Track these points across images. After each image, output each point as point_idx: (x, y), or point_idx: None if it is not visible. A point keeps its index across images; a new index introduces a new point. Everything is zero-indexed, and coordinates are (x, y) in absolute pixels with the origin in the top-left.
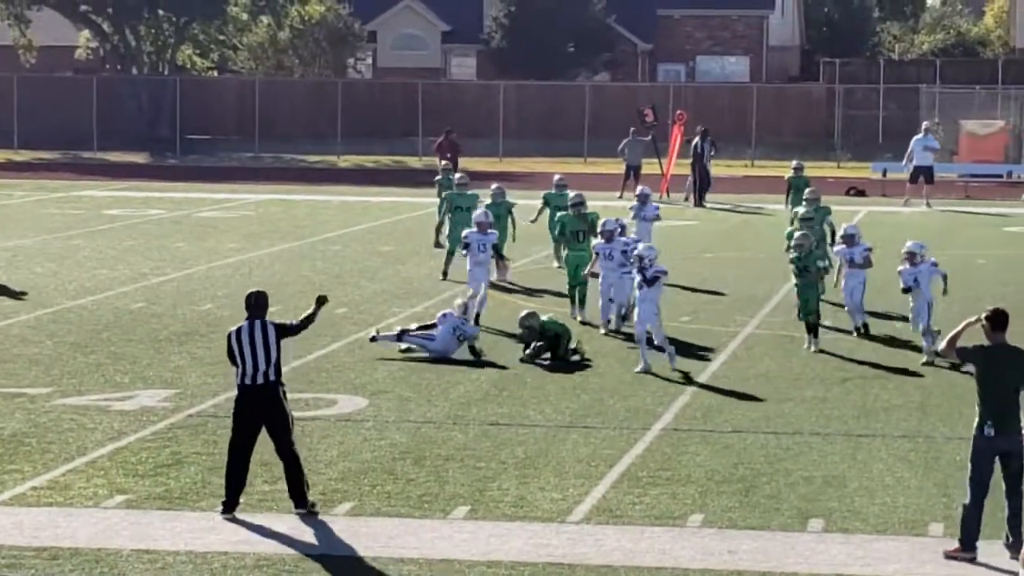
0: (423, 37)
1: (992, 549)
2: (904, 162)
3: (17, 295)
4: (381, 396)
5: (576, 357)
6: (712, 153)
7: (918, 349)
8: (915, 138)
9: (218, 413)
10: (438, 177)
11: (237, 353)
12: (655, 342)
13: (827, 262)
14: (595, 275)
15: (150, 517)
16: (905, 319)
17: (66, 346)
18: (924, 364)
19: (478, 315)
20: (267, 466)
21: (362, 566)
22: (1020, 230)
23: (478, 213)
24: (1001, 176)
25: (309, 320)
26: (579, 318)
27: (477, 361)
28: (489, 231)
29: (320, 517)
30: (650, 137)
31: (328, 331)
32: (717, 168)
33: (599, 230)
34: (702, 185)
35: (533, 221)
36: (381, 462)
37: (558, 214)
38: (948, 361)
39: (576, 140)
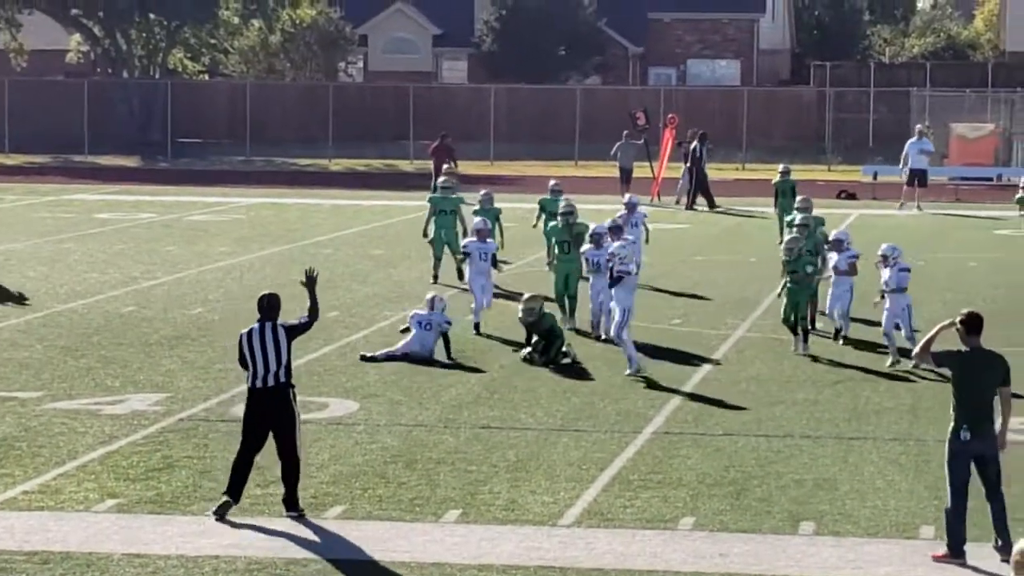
0: (414, 41)
1: (982, 552)
2: (900, 166)
3: (19, 299)
4: (372, 399)
5: (567, 360)
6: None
7: (909, 354)
8: (909, 142)
9: (209, 417)
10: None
11: (248, 355)
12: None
13: (815, 267)
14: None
15: (141, 521)
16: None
17: (57, 350)
18: (889, 366)
19: (477, 324)
20: (260, 470)
21: (353, 570)
22: (1011, 233)
23: (477, 221)
24: (991, 179)
25: (314, 309)
26: (568, 327)
27: (454, 364)
28: (488, 239)
29: (311, 521)
30: (642, 141)
31: (319, 334)
32: (708, 171)
33: (588, 233)
34: (704, 188)
35: (535, 226)
36: (372, 465)
37: (550, 223)
38: (925, 367)
39: (567, 144)
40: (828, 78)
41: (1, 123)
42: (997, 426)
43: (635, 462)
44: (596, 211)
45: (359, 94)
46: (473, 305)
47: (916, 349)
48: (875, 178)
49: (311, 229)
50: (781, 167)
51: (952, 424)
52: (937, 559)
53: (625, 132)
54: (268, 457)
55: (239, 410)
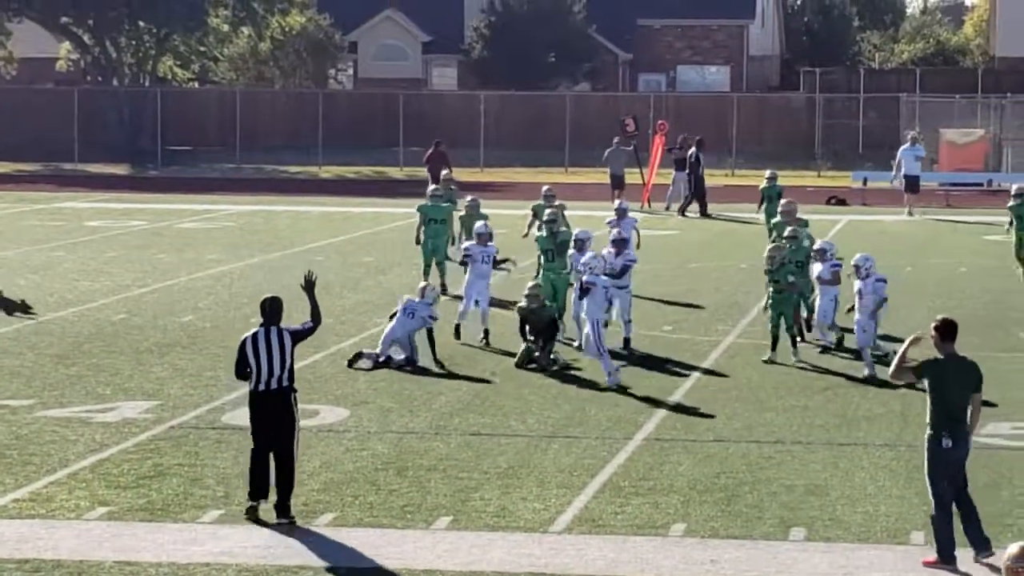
0: (404, 47)
1: (972, 557)
2: (893, 172)
3: (24, 308)
4: (363, 407)
5: (555, 367)
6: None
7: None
8: (903, 148)
9: (199, 425)
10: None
11: (252, 359)
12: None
13: (796, 276)
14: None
15: (132, 529)
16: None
17: (47, 358)
18: (863, 379)
19: (487, 332)
20: None
21: None
22: (1001, 238)
23: (479, 225)
24: (981, 184)
25: (316, 313)
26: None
27: (445, 373)
28: (489, 244)
29: (302, 528)
30: (632, 147)
31: (310, 341)
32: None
33: (572, 238)
34: (701, 194)
35: (525, 236)
36: (363, 473)
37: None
38: (902, 380)
39: (557, 150)
40: (818, 84)
41: None
42: None
43: (626, 468)
44: (586, 217)
45: (349, 101)
46: (460, 308)
47: (891, 369)
48: (865, 184)
49: (301, 236)
50: (768, 173)
51: (930, 432)
52: (928, 565)
53: (615, 139)
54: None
55: (230, 418)
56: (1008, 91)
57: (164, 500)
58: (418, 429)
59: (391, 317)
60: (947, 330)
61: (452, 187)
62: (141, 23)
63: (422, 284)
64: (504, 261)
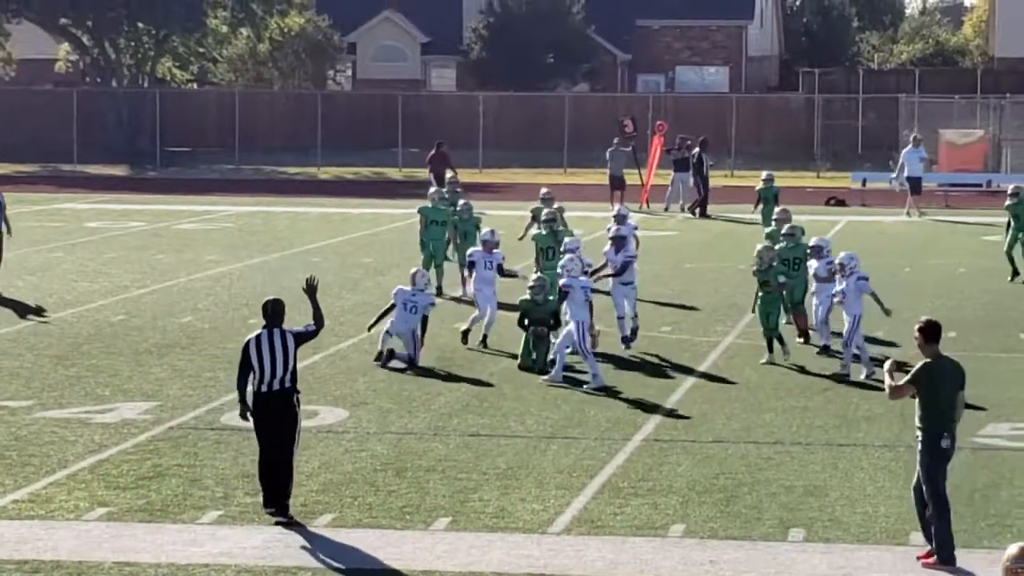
0: (403, 48)
1: (972, 557)
2: (896, 174)
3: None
4: (362, 407)
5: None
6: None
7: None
8: (906, 150)
9: (199, 425)
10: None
11: (255, 360)
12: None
13: (786, 276)
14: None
15: (132, 530)
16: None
17: (47, 359)
18: (834, 375)
19: (485, 336)
20: (249, 478)
21: None
22: (1000, 239)
23: (485, 232)
24: (981, 185)
25: (318, 316)
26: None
27: (444, 375)
28: (495, 251)
29: (301, 529)
30: (630, 148)
31: (309, 343)
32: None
33: (562, 248)
34: (703, 197)
35: (520, 239)
36: (362, 473)
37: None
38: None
39: (556, 151)
40: (817, 85)
41: None
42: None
43: (625, 469)
44: (585, 218)
45: (347, 102)
46: (476, 314)
47: (889, 394)
48: (864, 184)
49: (300, 237)
50: (764, 174)
51: (926, 434)
52: (926, 565)
53: (616, 139)
54: (256, 466)
55: (229, 418)
56: (1007, 91)
57: (163, 501)
58: (417, 430)
59: (384, 313)
60: (931, 331)
61: (457, 189)
62: (140, 24)
63: (413, 270)
64: (513, 275)
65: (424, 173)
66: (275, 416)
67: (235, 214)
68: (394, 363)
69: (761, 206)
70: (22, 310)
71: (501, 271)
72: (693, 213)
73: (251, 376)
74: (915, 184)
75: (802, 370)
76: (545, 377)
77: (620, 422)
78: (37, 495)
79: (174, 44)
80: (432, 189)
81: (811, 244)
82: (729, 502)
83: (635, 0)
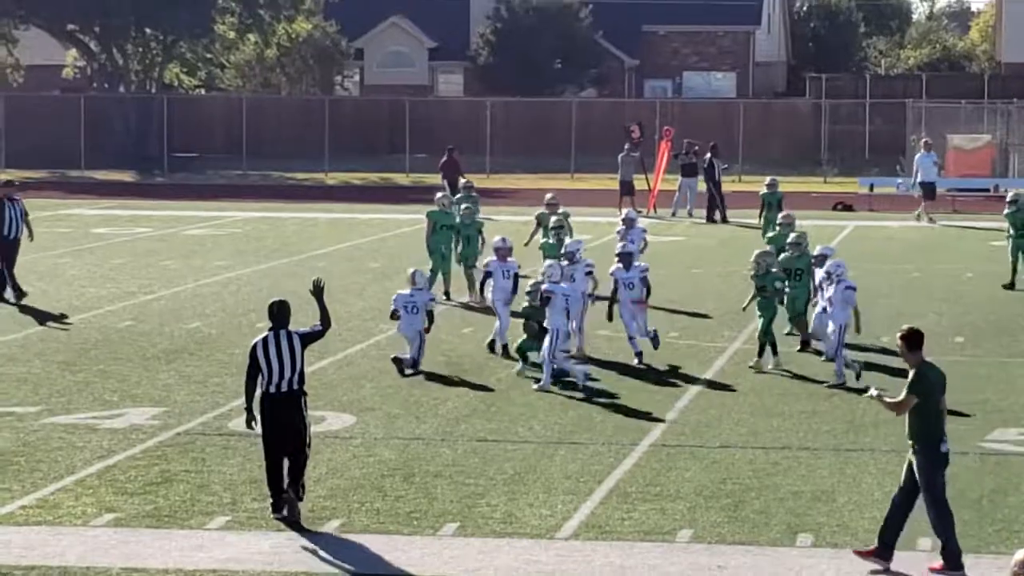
0: (410, 54)
1: (980, 563)
2: (913, 181)
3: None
4: (369, 413)
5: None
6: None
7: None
8: (919, 155)
9: (206, 431)
10: (459, 195)
11: (263, 362)
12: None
13: (783, 283)
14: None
15: (139, 535)
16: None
17: (54, 365)
18: (829, 387)
19: (505, 346)
20: (256, 483)
21: None
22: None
23: (496, 239)
24: (988, 190)
25: (325, 317)
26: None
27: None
28: (509, 259)
29: (309, 534)
30: (637, 154)
31: (315, 348)
32: (703, 184)
33: (562, 252)
34: (719, 202)
35: (526, 244)
36: (370, 479)
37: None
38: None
39: (563, 156)
40: (824, 90)
41: None
42: None
43: (633, 475)
44: (592, 224)
45: (355, 108)
46: (497, 324)
47: (896, 410)
48: (871, 190)
49: (307, 243)
50: (768, 179)
51: (925, 440)
52: (934, 571)
53: (627, 145)
54: (263, 471)
55: (237, 424)
56: (1014, 96)
57: (171, 507)
58: (425, 435)
59: (393, 318)
60: (914, 339)
61: (473, 194)
62: (148, 30)
63: (411, 270)
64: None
65: (431, 178)
66: (283, 417)
67: (243, 220)
68: (409, 372)
69: (765, 211)
70: (31, 316)
71: (516, 280)
72: (712, 219)
73: (259, 379)
74: (929, 189)
75: (799, 377)
76: (536, 385)
77: (628, 427)
78: (45, 501)
79: (182, 50)
80: (440, 194)
81: (816, 253)
82: (737, 507)
83: (642, 5)
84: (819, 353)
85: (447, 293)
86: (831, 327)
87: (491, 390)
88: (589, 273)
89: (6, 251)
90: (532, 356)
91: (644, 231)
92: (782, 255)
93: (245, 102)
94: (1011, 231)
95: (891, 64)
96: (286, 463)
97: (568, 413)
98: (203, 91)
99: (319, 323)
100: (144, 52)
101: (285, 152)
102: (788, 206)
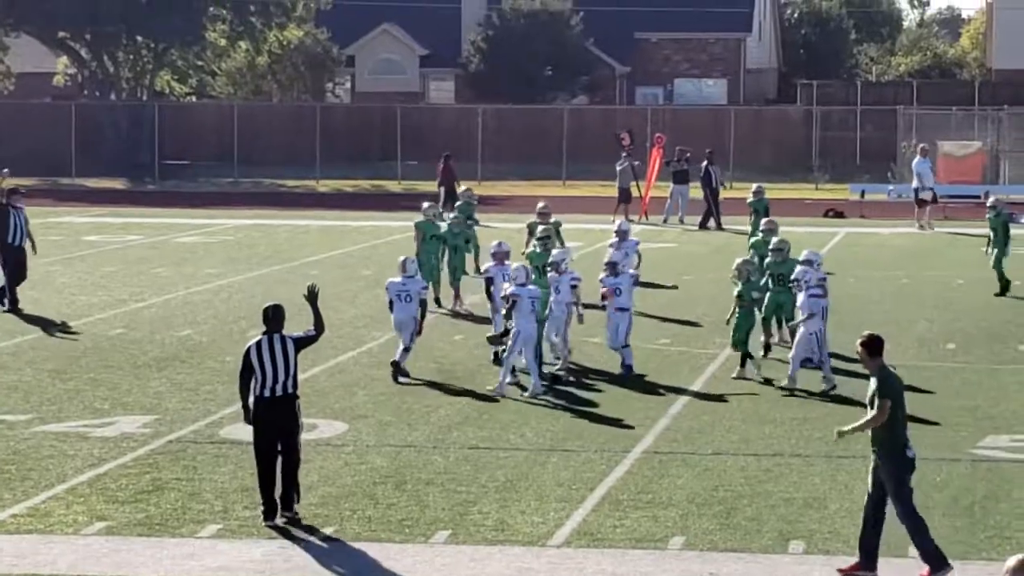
0: (401, 61)
1: (969, 569)
2: (922, 186)
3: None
4: (361, 420)
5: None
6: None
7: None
8: (916, 161)
9: (198, 439)
10: (459, 203)
11: (257, 365)
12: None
13: (761, 292)
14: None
15: (131, 544)
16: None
17: (45, 373)
18: (821, 393)
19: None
20: (248, 492)
21: None
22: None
23: (494, 244)
24: (979, 197)
25: (319, 323)
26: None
27: (449, 388)
28: (506, 263)
29: (301, 541)
30: (627, 163)
31: (307, 355)
32: (695, 191)
33: (548, 261)
34: (715, 209)
35: (524, 253)
36: (362, 487)
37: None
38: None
39: (555, 163)
40: (815, 97)
41: None
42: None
43: (625, 482)
44: (585, 231)
45: (346, 115)
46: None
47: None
48: (863, 196)
49: (299, 250)
50: (754, 187)
51: (891, 446)
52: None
53: (624, 153)
54: (255, 479)
55: (228, 432)
56: (1005, 103)
57: (162, 515)
58: (417, 443)
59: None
60: (874, 345)
61: (474, 201)
62: (139, 38)
63: (402, 258)
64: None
65: (423, 186)
66: (276, 421)
67: (234, 227)
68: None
69: (752, 218)
70: (22, 324)
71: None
72: (705, 226)
73: (253, 382)
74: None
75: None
76: (525, 393)
77: (619, 435)
78: (36, 509)
79: (173, 57)
80: (426, 204)
81: (802, 258)
82: (729, 514)
83: (633, 13)
84: (809, 360)
85: (437, 300)
86: (799, 333)
87: (483, 397)
88: (574, 287)
89: (10, 258)
90: (517, 363)
91: (637, 243)
92: (766, 260)
93: (236, 109)
94: (992, 236)
95: (882, 71)
96: (278, 468)
97: (560, 420)
98: (194, 98)
99: (313, 328)
100: (135, 59)
101: (276, 159)
102: (780, 213)
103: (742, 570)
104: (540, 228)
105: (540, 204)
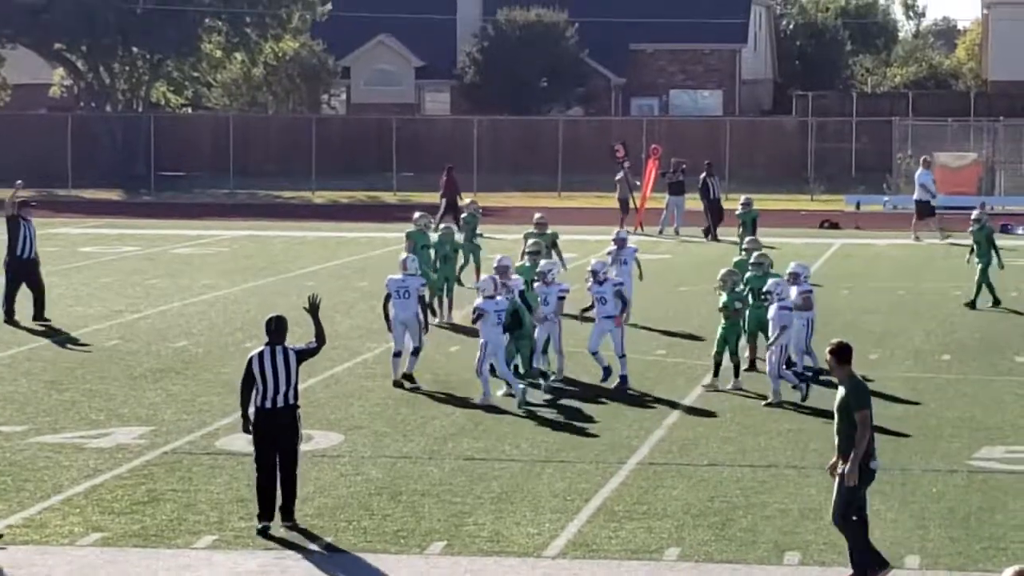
0: (397, 73)
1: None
2: (929, 195)
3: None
4: (357, 431)
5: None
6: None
7: (890, 396)
8: (920, 172)
9: (193, 450)
10: (464, 215)
11: (258, 376)
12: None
13: (742, 303)
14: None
15: (126, 555)
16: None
17: (41, 384)
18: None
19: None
20: (244, 503)
21: None
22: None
23: (497, 258)
24: (974, 208)
25: (320, 334)
26: (535, 365)
27: (441, 396)
28: (513, 276)
29: (296, 553)
30: (622, 174)
31: (303, 366)
32: (691, 202)
33: (536, 271)
34: (715, 219)
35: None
36: (357, 498)
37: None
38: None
39: (550, 174)
40: (810, 108)
41: None
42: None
43: (620, 493)
44: (580, 242)
45: (342, 126)
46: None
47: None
48: (858, 207)
49: (295, 261)
50: (743, 198)
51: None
52: None
53: (625, 164)
54: (251, 490)
55: (224, 443)
56: (1000, 115)
57: (158, 526)
58: (412, 454)
59: (386, 303)
60: (843, 354)
61: (478, 215)
62: (134, 49)
63: (402, 257)
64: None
65: (418, 197)
66: (277, 431)
67: (229, 238)
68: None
69: (740, 230)
70: (18, 335)
71: (522, 296)
72: (707, 237)
73: (254, 392)
74: (926, 206)
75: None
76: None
77: (615, 445)
78: (31, 520)
79: (168, 69)
80: (417, 214)
81: (789, 270)
82: (724, 525)
83: (629, 24)
84: (816, 373)
85: (432, 309)
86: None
87: (478, 408)
88: (562, 298)
89: (17, 270)
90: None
91: (636, 251)
92: (747, 274)
93: (232, 121)
94: (975, 248)
95: (877, 82)
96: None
97: (555, 432)
98: (190, 110)
99: (314, 340)
100: (131, 71)
101: (272, 171)
102: (775, 224)
103: None
104: (530, 242)
105: (537, 215)
